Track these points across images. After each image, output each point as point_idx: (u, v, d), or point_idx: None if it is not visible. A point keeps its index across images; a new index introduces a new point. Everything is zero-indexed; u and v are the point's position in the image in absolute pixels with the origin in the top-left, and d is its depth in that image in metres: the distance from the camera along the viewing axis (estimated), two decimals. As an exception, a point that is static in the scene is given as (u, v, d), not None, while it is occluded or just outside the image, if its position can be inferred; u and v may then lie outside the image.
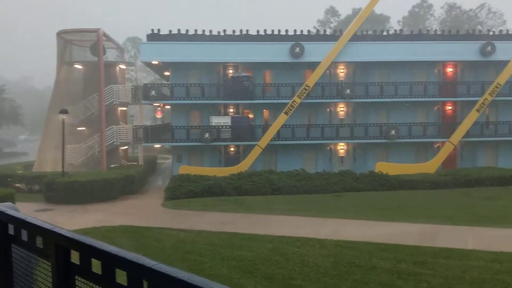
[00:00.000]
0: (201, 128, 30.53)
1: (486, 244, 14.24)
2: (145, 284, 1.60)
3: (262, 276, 11.17)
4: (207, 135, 29.86)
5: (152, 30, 31.41)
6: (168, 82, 34.36)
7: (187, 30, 31.47)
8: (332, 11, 67.90)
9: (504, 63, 31.51)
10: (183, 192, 24.37)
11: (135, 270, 1.61)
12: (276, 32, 31.94)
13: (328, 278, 10.95)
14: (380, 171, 28.75)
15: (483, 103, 31.33)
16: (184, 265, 12.11)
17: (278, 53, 31.10)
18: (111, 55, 34.84)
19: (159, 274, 1.52)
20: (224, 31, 31.54)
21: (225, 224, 17.64)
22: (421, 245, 13.93)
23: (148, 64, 33.96)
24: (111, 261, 1.72)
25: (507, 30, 34.59)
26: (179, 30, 31.46)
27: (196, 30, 31.53)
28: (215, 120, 30.81)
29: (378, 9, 58.19)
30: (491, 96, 31.32)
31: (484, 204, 21.56)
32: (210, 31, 31.61)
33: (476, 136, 32.08)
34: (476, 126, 31.99)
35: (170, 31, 31.57)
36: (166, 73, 35.31)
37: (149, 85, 32.75)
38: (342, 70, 32.98)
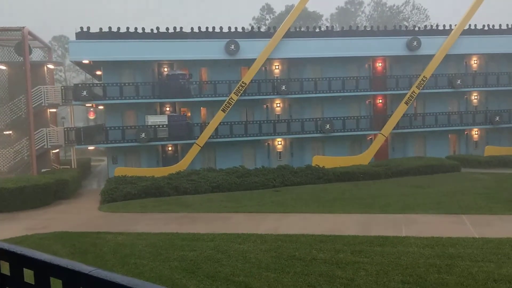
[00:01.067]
0: (136, 128, 29.81)
1: (418, 230, 14.97)
2: None
3: (204, 275, 11.09)
4: (143, 135, 29.21)
5: (81, 28, 30.22)
6: (100, 82, 33.24)
7: (118, 28, 30.56)
8: (267, 8, 68.50)
9: (429, 57, 33.23)
10: (120, 194, 23.69)
11: (71, 277, 1.53)
12: (211, 30, 31.78)
13: (270, 273, 11.07)
14: (317, 165, 29.42)
15: (411, 96, 32.88)
16: (123, 269, 11.79)
17: (214, 50, 30.99)
18: (37, 54, 33.11)
19: (96, 280, 1.46)
20: (157, 28, 30.95)
21: (165, 225, 17.35)
22: (358, 235, 14.41)
23: (78, 64, 32.66)
24: (45, 270, 1.63)
25: (431, 26, 36.46)
26: (110, 28, 30.48)
27: (128, 28, 30.69)
28: (151, 120, 30.20)
29: (310, 7, 59.42)
30: (418, 89, 32.94)
31: (415, 192, 22.65)
32: (143, 28, 30.91)
33: (405, 127, 33.63)
34: (405, 118, 33.56)
35: (101, 29, 30.53)
36: (98, 72, 34.15)
37: (80, 85, 31.51)
38: (277, 67, 33.40)
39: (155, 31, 30.92)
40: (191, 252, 13.11)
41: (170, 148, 31.76)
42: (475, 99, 35.89)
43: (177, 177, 26.67)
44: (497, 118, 34.28)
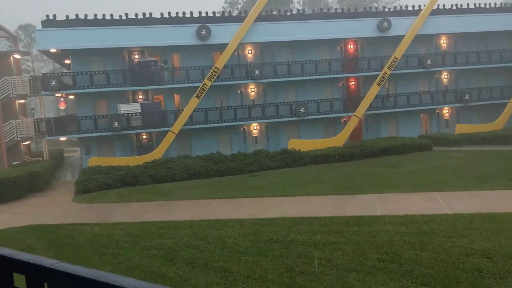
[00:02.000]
0: (109, 117, 29.34)
1: (393, 209, 15.25)
2: (46, 285, 1.49)
3: (183, 262, 11.09)
4: (116, 124, 28.78)
5: (47, 16, 29.37)
6: (70, 71, 32.49)
7: (85, 15, 29.82)
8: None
9: (400, 37, 33.55)
10: (95, 185, 23.37)
11: (34, 271, 1.50)
12: (181, 15, 31.31)
13: (249, 256, 11.14)
14: (292, 148, 29.58)
15: (383, 77, 33.23)
16: (101, 260, 11.69)
17: (185, 36, 30.60)
18: (3, 44, 32.10)
19: (60, 273, 1.43)
20: (126, 14, 30.33)
21: (142, 214, 17.23)
22: (335, 216, 14.61)
23: (46, 53, 31.84)
24: (7, 265, 1.59)
25: (401, 6, 36.75)
26: (76, 15, 29.71)
27: (95, 15, 29.99)
28: (124, 108, 29.76)
29: (281, -11, 59.05)
30: (390, 70, 33.30)
31: (389, 172, 23.03)
32: (111, 15, 30.24)
33: (378, 108, 34.04)
34: (378, 99, 33.94)
35: (67, 16, 29.74)
36: (67, 61, 33.36)
37: (48, 74, 30.73)
38: (250, 51, 33.22)
39: (124, 17, 30.30)
40: (169, 240, 13.08)
41: (144, 137, 31.41)
42: (445, 78, 36.51)
43: (153, 165, 26.45)
44: (467, 96, 34.99)
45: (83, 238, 14.00)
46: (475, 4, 35.82)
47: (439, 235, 11.84)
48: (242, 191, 20.54)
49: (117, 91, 30.16)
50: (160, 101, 31.62)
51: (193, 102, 30.24)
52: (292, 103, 32.76)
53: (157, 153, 29.53)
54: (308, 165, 27.36)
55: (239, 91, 33.09)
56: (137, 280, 1.32)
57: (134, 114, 29.47)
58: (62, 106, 42.12)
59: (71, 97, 33.46)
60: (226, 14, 32.53)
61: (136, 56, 31.19)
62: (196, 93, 30.17)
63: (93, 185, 23.33)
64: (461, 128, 34.56)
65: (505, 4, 39.89)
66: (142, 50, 31.27)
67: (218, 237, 13.00)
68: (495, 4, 36.57)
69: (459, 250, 10.63)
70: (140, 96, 31.45)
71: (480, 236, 11.59)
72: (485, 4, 36.01)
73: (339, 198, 17.70)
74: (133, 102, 30.89)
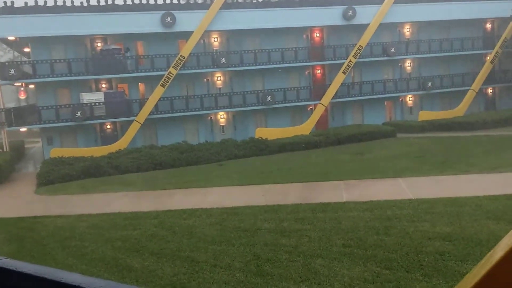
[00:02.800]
0: (71, 106, 28.58)
1: (358, 195, 15.49)
2: None
3: (149, 253, 10.96)
4: (79, 113, 28.07)
5: (5, 2, 28.20)
6: (29, 59, 31.41)
7: (45, 2, 28.80)
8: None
9: (365, 26, 33.88)
10: (58, 176, 22.79)
11: None
12: (145, 1, 30.63)
13: (216, 246, 11.10)
14: (260, 137, 29.61)
15: (348, 65, 33.55)
16: (64, 253, 11.43)
17: (149, 23, 30.00)
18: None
19: (3, 270, 1.34)
20: (88, 1, 29.44)
21: (106, 205, 16.91)
22: (301, 203, 14.71)
23: (4, 41, 30.72)
24: None
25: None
26: (36, 1, 28.65)
27: (55, 1, 28.98)
28: (87, 97, 29.04)
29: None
30: (355, 58, 33.64)
31: (354, 159, 23.37)
32: (72, 1, 29.31)
33: (344, 96, 34.40)
34: (344, 87, 34.29)
35: (26, 3, 28.65)
36: (26, 49, 32.23)
37: (6, 63, 29.63)
38: (216, 39, 32.91)
39: (85, 4, 29.40)
40: (135, 231, 12.90)
41: (108, 127, 30.77)
42: (408, 66, 37.18)
43: (118, 155, 26.00)
44: (430, 84, 35.77)
45: (46, 231, 13.65)
46: (437, -7, 36.47)
47: (402, 220, 12.09)
48: (209, 180, 20.44)
49: (80, 80, 29.39)
50: (124, 90, 31.00)
51: (159, 91, 29.79)
52: (259, 91, 32.72)
53: (122, 144, 29.01)
54: (275, 154, 27.46)
55: (205, 79, 32.79)
56: (83, 276, 1.25)
57: (97, 104, 28.80)
58: (23, 96, 40.68)
59: (32, 86, 32.38)
60: (191, 1, 32.06)
61: (99, 44, 30.41)
62: (161, 81, 29.72)
63: (55, 176, 22.75)
64: (424, 115, 35.35)
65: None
66: (105, 38, 30.50)
67: (185, 227, 12.90)
68: (457, -7, 37.34)
69: (421, 234, 10.88)
70: (104, 85, 30.73)
71: (442, 220, 11.89)
72: (447, -7, 36.71)
73: (305, 186, 17.84)
74: (96, 91, 30.18)
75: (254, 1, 33.60)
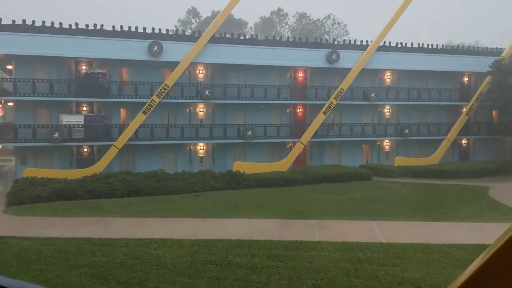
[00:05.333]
0: (50, 127, 28.25)
1: (331, 235, 15.54)
2: None
3: (116, 281, 10.72)
4: (56, 134, 27.74)
5: (-8, 18, 28.14)
6: (11, 77, 31.15)
7: (33, 21, 28.84)
8: (194, 12, 68.09)
9: (347, 70, 34.76)
10: (29, 196, 22.29)
11: None
12: (133, 29, 30.97)
13: (185, 278, 10.94)
14: (238, 170, 29.62)
15: (329, 107, 34.17)
16: (27, 276, 11.09)
17: (136, 50, 30.23)
18: None
19: None
20: (76, 24, 29.61)
21: (76, 230, 16.57)
22: (274, 239, 14.68)
23: (-13, 56, 30.38)
24: None
25: (350, 40, 38.22)
26: (24, 20, 28.68)
27: (44, 22, 29.08)
28: (66, 119, 28.79)
29: (236, 14, 59.95)
30: (336, 100, 34.32)
31: (329, 199, 23.52)
32: (60, 23, 29.42)
33: (323, 136, 34.87)
34: (323, 128, 34.80)
35: (14, 21, 28.63)
36: (9, 67, 31.99)
37: (-13, 79, 29.30)
38: (201, 71, 33.28)
39: (73, 27, 29.56)
40: (103, 257, 12.63)
41: (85, 150, 30.43)
42: (387, 112, 38.04)
43: (92, 179, 25.62)
44: (407, 131, 36.57)
45: (11, 252, 13.25)
46: (418, 44, 37.81)
47: (373, 263, 12.14)
48: (184, 210, 20.26)
49: (61, 101, 29.18)
50: (104, 114, 30.86)
51: (140, 118, 29.74)
52: (240, 125, 32.97)
53: (98, 168, 28.65)
54: (252, 188, 27.45)
55: (187, 110, 32.93)
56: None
57: (76, 126, 28.55)
58: (0, 113, 40.13)
59: (11, 104, 32.00)
60: (179, 33, 32.50)
61: (84, 67, 30.42)
62: (143, 109, 29.72)
63: (26, 196, 22.25)
64: (400, 161, 35.96)
65: (446, 46, 42.38)
66: (90, 62, 30.56)
67: (154, 257, 12.70)
68: (437, 45, 38.78)
69: (391, 279, 10.94)
70: (85, 108, 30.56)
71: (412, 266, 11.99)
72: (428, 44, 38.10)
73: (279, 222, 17.83)
74: (76, 114, 29.96)
75: (241, 38, 34.28)
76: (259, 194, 25.20)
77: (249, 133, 32.34)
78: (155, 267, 11.77)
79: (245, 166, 31.00)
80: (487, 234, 15.24)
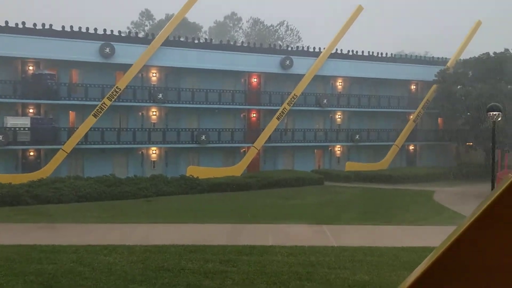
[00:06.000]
0: (-7, 129, 27.01)
1: (284, 239, 15.68)
2: None
3: (64, 289, 10.37)
4: (0, 137, 26.54)
5: None
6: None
7: (-23, 18, 27.55)
8: (147, 14, 67.09)
9: (300, 76, 35.32)
10: (-31, 202, 21.20)
11: None
12: (84, 30, 30.16)
13: (136, 285, 10.73)
14: (191, 175, 29.39)
15: (282, 112, 34.57)
16: (-33, 287, 10.53)
17: (87, 52, 29.46)
18: None
19: None
20: (23, 23, 28.52)
21: (21, 236, 15.89)
22: (227, 244, 14.64)
23: None
24: None
25: (303, 47, 38.86)
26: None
27: (-12, 19, 27.82)
28: (11, 121, 27.62)
29: (190, 18, 59.61)
30: (289, 105, 34.78)
31: (283, 203, 23.75)
32: (6, 21, 28.25)
33: (276, 141, 35.22)
34: (277, 133, 35.16)
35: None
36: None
37: None
38: (154, 74, 32.84)
39: (20, 25, 28.45)
40: (50, 265, 12.18)
41: (32, 153, 29.27)
42: (339, 118, 38.92)
43: (39, 184, 24.69)
44: (357, 137, 37.54)
45: (-51, 261, 12.53)
46: (369, 52, 38.96)
47: (324, 267, 12.35)
48: (135, 216, 19.88)
49: (5, 103, 27.97)
50: (52, 117, 29.84)
51: (90, 121, 28.96)
52: (194, 130, 32.75)
53: (45, 172, 27.62)
54: (205, 193, 27.31)
55: (140, 113, 32.38)
56: None
57: (22, 129, 27.44)
58: None
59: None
60: (132, 35, 31.99)
61: (31, 68, 29.32)
62: (93, 111, 28.96)
63: (-34, 202, 21.14)
64: (351, 166, 36.84)
65: (395, 55, 43.88)
66: (37, 62, 29.48)
67: (104, 264, 12.37)
68: (387, 54, 40.11)
69: (341, 282, 11.16)
70: (32, 110, 29.42)
71: (361, 269, 12.29)
72: (378, 53, 39.34)
73: (233, 227, 17.82)
74: (22, 116, 28.81)
75: (196, 42, 34.13)
76: (212, 199, 25.10)
77: (203, 137, 32.19)
78: (105, 274, 11.47)
79: (198, 171, 30.80)
80: (432, 237, 15.84)
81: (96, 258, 12.92)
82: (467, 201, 24.25)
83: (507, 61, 35.10)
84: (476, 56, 37.73)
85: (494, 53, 36.51)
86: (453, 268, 0.96)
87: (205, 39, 40.19)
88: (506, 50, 36.02)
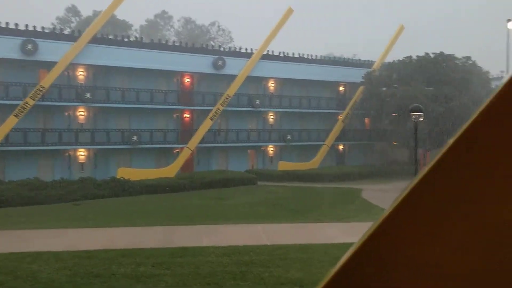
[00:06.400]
0: None
1: (218, 240, 15.65)
2: None
3: (-18, 301, 9.72)
4: None
5: None
6: None
7: None
8: (74, 10, 64.33)
9: (233, 76, 35.44)
10: None
11: None
12: (4, 25, 28.41)
13: (64, 292, 10.27)
14: (122, 177, 28.58)
15: (215, 112, 34.52)
16: None
17: (7, 48, 27.81)
18: None
19: None
20: None
21: None
22: (160, 247, 14.40)
23: None
24: None
25: (235, 48, 39.02)
26: None
27: None
28: None
29: (120, 15, 57.93)
30: (223, 106, 34.80)
31: (216, 204, 23.72)
32: None
33: (210, 142, 35.11)
34: (210, 133, 35.05)
35: None
36: None
37: None
38: (81, 73, 31.59)
39: None
40: (-33, 276, 11.36)
41: None
42: (271, 118, 39.48)
43: (-46, 190, 22.97)
44: (289, 137, 38.28)
45: None
46: (299, 54, 39.85)
47: (258, 265, 12.48)
48: (62, 221, 19.01)
49: None
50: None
51: (11, 121, 27.34)
52: (125, 130, 31.87)
53: (-39, 176, 25.76)
54: (137, 195, 26.67)
55: (66, 113, 31.01)
56: None
57: None
58: None
59: None
60: (56, 31, 30.59)
61: None
62: (15, 111, 27.36)
63: None
64: (283, 165, 37.49)
65: (325, 57, 45.20)
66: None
67: (29, 272, 11.73)
68: (317, 56, 41.21)
69: (274, 280, 11.33)
70: None
71: (294, 266, 12.54)
72: (308, 55, 40.33)
73: (166, 229, 17.55)
74: None
75: (125, 40, 33.24)
76: (145, 201, 24.57)
77: (134, 138, 31.41)
78: (29, 283, 10.88)
79: (130, 173, 30.01)
80: (362, 233, 16.46)
81: (19, 266, 12.22)
82: (393, 198, 25.39)
83: (428, 64, 37.23)
84: (400, 59, 39.73)
85: (417, 56, 38.61)
86: (369, 262, 1.01)
87: (136, 37, 39.23)
88: (427, 54, 38.20)
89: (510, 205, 0.90)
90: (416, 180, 0.97)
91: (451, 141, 0.92)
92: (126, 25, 61.84)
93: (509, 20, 30.18)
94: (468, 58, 37.89)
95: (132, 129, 32.17)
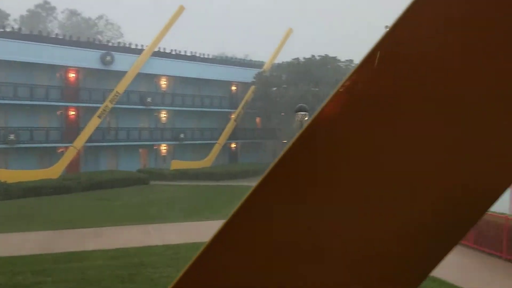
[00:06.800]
0: None
1: (106, 243, 15.07)
2: None
3: None
4: None
5: None
6: None
7: None
8: None
9: (123, 73, 34.24)
10: None
11: None
12: None
13: None
14: (-3, 180, 26.25)
15: (104, 110, 33.09)
16: None
17: None
18: None
19: None
20: None
21: None
22: (41, 253, 13.52)
23: None
24: None
25: (124, 43, 37.75)
26: None
27: None
28: None
29: (-4, 3, 53.09)
30: (112, 103, 33.45)
31: (105, 206, 22.78)
32: None
33: (98, 141, 33.57)
34: (99, 132, 33.51)
35: None
36: None
37: None
38: None
39: None
40: None
41: None
42: (164, 117, 38.83)
43: None
44: (182, 135, 37.97)
45: None
46: (191, 52, 39.67)
47: (148, 267, 12.27)
48: None
49: None
50: None
51: None
52: (1, 128, 29.28)
53: None
54: (17, 198, 24.68)
55: None
56: None
57: None
58: None
59: None
60: None
61: None
62: None
63: None
64: (176, 164, 37.11)
65: (216, 56, 45.45)
66: None
67: None
68: (209, 55, 41.34)
69: (165, 280, 11.22)
70: None
71: (184, 264, 12.47)
72: (200, 54, 40.31)
73: (49, 234, 16.50)
74: None
75: (1, 30, 30.55)
76: (24, 205, 22.83)
77: (11, 137, 28.98)
78: None
79: (6, 174, 27.67)
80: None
81: None
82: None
83: (313, 66, 39.19)
84: (289, 60, 41.34)
85: (304, 58, 40.44)
86: (211, 264, 1.08)
87: (12, 28, 36.19)
88: (313, 56, 40.19)
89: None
90: (250, 191, 1.05)
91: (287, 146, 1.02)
92: (2, 15, 56.79)
93: (387, 27, 32.82)
94: (351, 61, 40.57)
95: (9, 127, 29.65)
